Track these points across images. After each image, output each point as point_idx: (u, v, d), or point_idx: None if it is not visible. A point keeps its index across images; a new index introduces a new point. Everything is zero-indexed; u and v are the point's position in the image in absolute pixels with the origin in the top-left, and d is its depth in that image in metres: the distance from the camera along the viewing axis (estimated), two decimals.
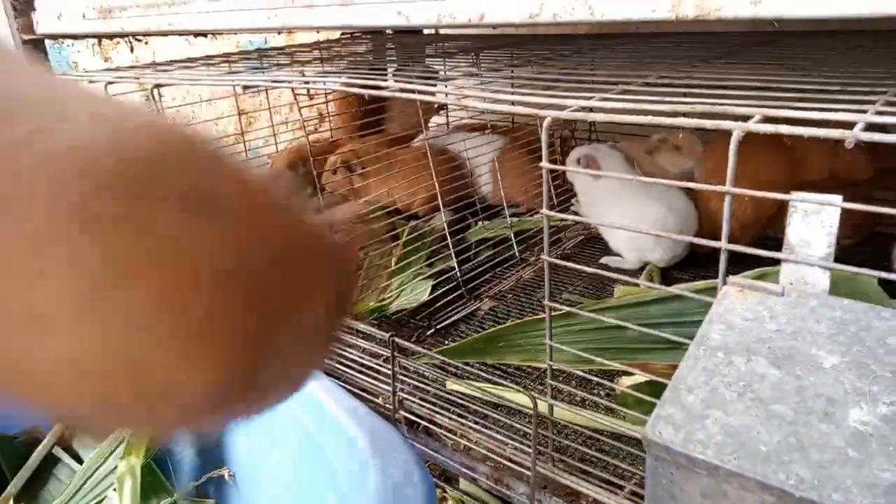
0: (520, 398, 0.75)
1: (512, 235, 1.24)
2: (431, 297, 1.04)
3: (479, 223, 1.29)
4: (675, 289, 0.78)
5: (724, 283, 0.48)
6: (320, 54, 1.22)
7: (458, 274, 1.10)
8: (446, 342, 0.95)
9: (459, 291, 1.09)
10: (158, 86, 0.93)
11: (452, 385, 0.80)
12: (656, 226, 1.05)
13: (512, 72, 0.92)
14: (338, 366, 0.88)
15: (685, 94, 0.56)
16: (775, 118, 0.47)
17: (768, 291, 0.45)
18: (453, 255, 1.10)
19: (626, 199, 1.09)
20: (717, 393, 0.39)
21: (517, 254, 1.24)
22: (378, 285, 1.02)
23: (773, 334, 0.42)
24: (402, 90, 0.70)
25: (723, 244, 0.48)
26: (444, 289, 1.07)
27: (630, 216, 1.09)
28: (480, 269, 1.17)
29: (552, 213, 0.57)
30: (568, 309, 0.65)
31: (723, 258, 0.49)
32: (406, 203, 1.26)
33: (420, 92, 0.68)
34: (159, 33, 0.95)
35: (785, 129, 0.44)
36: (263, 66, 1.07)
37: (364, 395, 0.85)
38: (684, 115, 0.48)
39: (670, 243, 1.08)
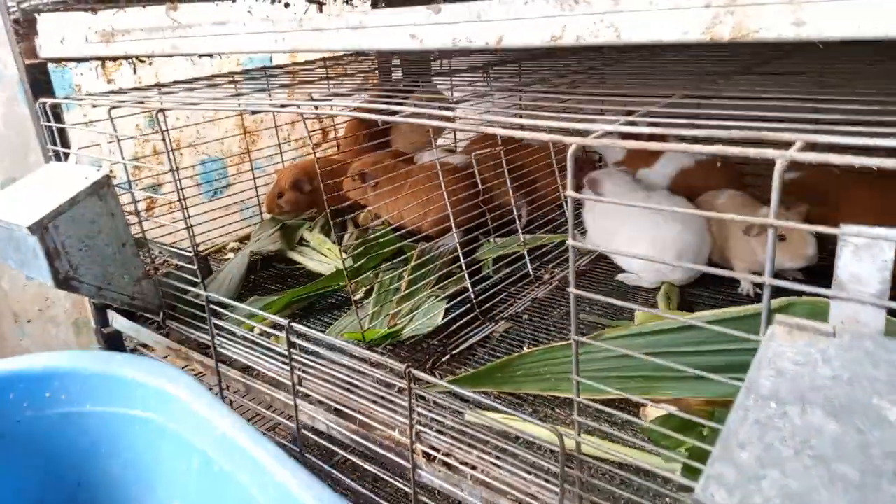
0: (544, 433, 0.72)
1: (525, 253, 1.21)
2: (445, 320, 1.01)
3: (492, 241, 1.26)
4: (709, 320, 0.76)
5: (770, 321, 0.45)
6: (326, 73, 1.20)
7: (473, 296, 1.07)
8: (462, 369, 0.92)
9: (474, 313, 1.06)
10: (162, 110, 0.91)
11: (471, 417, 0.77)
12: (675, 244, 1.02)
13: (520, 97, 0.89)
14: (351, 396, 0.85)
15: (714, 117, 0.53)
16: (818, 144, 0.44)
17: (819, 332, 0.42)
18: (466, 276, 1.08)
19: (640, 218, 1.06)
20: (773, 449, 0.36)
21: (531, 272, 1.21)
22: (389, 310, 0.99)
23: (828, 381, 0.39)
24: (415, 115, 0.68)
25: (766, 279, 0.45)
26: (457, 312, 1.04)
27: (646, 234, 1.06)
28: (494, 289, 1.14)
29: (578, 244, 0.55)
30: (595, 343, 0.62)
31: (766, 294, 0.46)
32: (417, 224, 1.23)
33: (432, 117, 0.66)
34: (164, 55, 0.92)
35: (835, 158, 0.41)
36: (268, 87, 1.05)
37: (380, 427, 0.82)
38: (722, 141, 0.46)
39: (690, 261, 1.05)
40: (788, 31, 0.43)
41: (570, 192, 0.53)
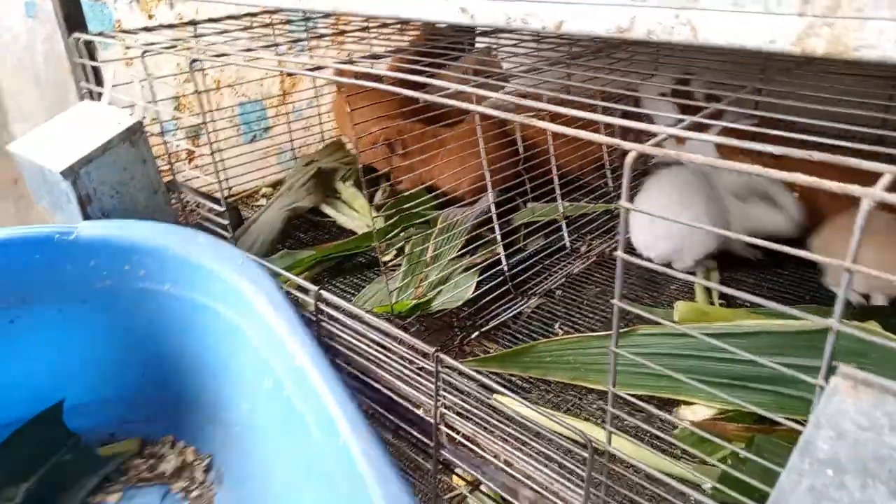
0: (579, 426, 0.70)
1: (564, 224, 1.17)
2: (476, 293, 0.99)
3: (529, 205, 1.22)
4: (759, 330, 0.71)
5: (831, 369, 0.41)
6: (367, 21, 1.14)
7: (506, 268, 1.04)
8: (492, 348, 0.91)
9: (506, 287, 1.03)
10: (195, 60, 0.88)
11: (498, 399, 0.76)
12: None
13: (568, 75, 0.83)
14: (378, 370, 0.84)
15: (788, 125, 0.48)
16: None
17: (886, 390, 0.39)
18: (501, 247, 1.04)
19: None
20: None
21: (568, 244, 1.17)
22: (419, 280, 0.97)
23: (895, 453, 0.36)
24: (460, 93, 0.63)
25: (834, 323, 0.41)
26: (489, 285, 1.01)
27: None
28: (529, 261, 1.11)
29: (629, 258, 0.51)
30: (636, 334, 0.59)
31: (830, 340, 0.42)
32: (452, 186, 1.19)
33: (480, 101, 0.62)
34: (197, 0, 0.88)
35: None
36: (304, 38, 1.00)
37: (405, 402, 0.82)
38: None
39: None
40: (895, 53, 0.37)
41: (624, 203, 0.49)
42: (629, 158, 0.48)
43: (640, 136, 0.54)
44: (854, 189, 0.39)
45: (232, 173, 1.34)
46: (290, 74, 1.20)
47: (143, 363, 0.98)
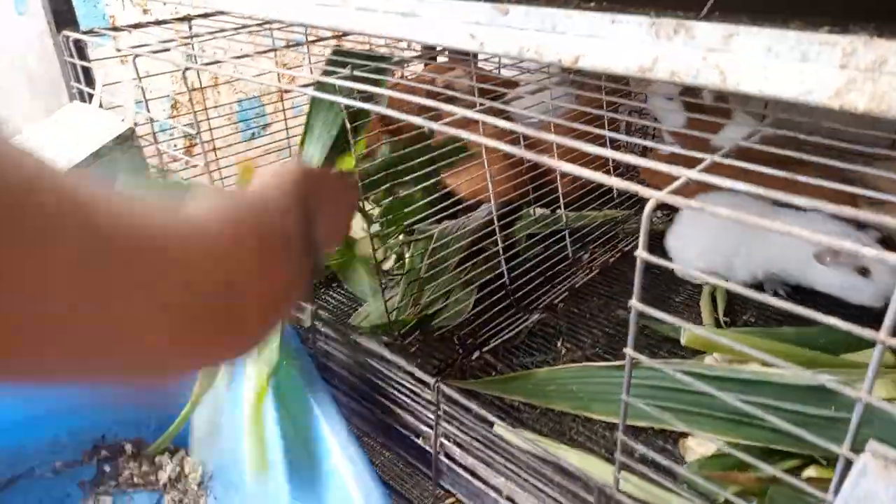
0: (584, 462, 0.68)
1: (567, 234, 1.15)
2: (477, 309, 0.96)
3: (533, 211, 1.18)
4: (769, 380, 0.68)
5: (854, 445, 0.39)
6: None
7: (508, 282, 1.01)
8: (495, 364, 0.88)
9: (507, 301, 1.01)
10: (188, 68, 0.84)
11: (500, 430, 0.74)
12: None
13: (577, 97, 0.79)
14: (376, 395, 0.81)
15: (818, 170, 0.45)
16: None
17: None
18: (503, 260, 1.01)
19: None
20: None
21: (570, 254, 1.14)
22: (416, 295, 0.94)
23: None
24: (465, 120, 0.60)
25: (864, 395, 0.39)
26: (490, 300, 0.99)
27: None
28: (530, 274, 1.08)
29: (644, 308, 0.48)
30: (650, 362, 0.57)
31: (858, 410, 0.39)
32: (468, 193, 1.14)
33: (493, 133, 0.59)
34: (193, 6, 0.84)
35: None
36: (302, 43, 0.96)
37: (403, 430, 0.79)
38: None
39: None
40: None
41: (641, 253, 0.46)
42: (648, 208, 0.45)
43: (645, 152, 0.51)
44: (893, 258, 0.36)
45: (230, 172, 1.31)
46: (286, 91, 1.16)
47: None
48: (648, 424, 0.75)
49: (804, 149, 0.53)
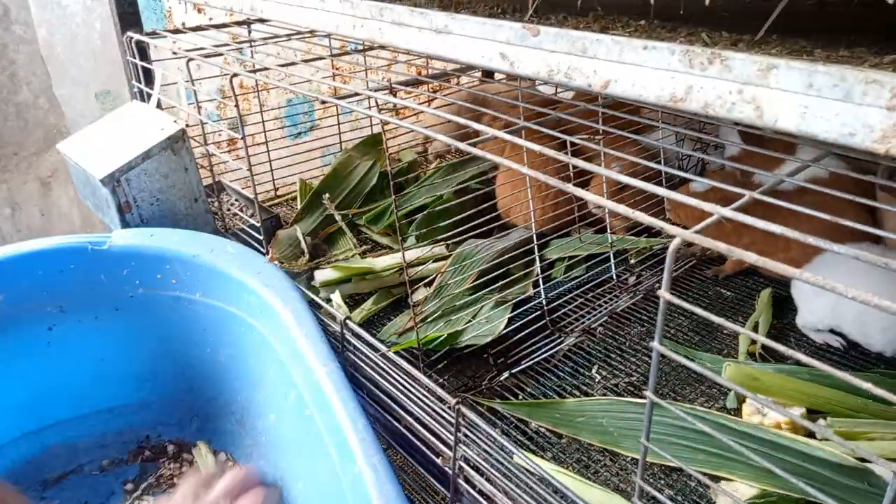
0: (606, 501, 0.65)
1: (612, 255, 1.11)
2: (510, 328, 0.94)
3: (578, 235, 1.16)
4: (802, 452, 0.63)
5: None
6: None
7: (544, 302, 0.99)
8: (525, 384, 0.86)
9: (542, 322, 0.98)
10: (236, 75, 0.85)
11: (520, 461, 0.71)
12: None
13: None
14: (400, 410, 0.80)
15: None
16: None
17: None
18: (541, 280, 0.99)
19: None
20: None
21: (614, 276, 1.10)
22: (448, 313, 0.93)
23: None
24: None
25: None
26: (525, 319, 0.96)
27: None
28: (569, 295, 1.05)
29: (665, 351, 0.45)
30: (668, 406, 0.54)
31: (892, 490, 0.36)
32: (505, 211, 1.13)
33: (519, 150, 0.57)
34: (243, 13, 0.85)
35: None
36: (355, 51, 0.97)
37: (424, 448, 0.78)
38: None
39: None
40: None
41: (664, 293, 0.43)
42: (673, 245, 0.42)
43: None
44: None
45: (277, 172, 1.33)
46: (323, 102, 1.16)
47: (177, 369, 0.99)
48: (680, 465, 0.71)
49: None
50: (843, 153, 0.58)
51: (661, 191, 0.48)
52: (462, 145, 0.57)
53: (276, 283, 0.88)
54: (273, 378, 0.89)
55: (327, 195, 1.21)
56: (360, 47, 1.13)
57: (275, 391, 0.88)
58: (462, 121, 0.60)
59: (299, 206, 1.24)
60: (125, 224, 0.98)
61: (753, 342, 0.91)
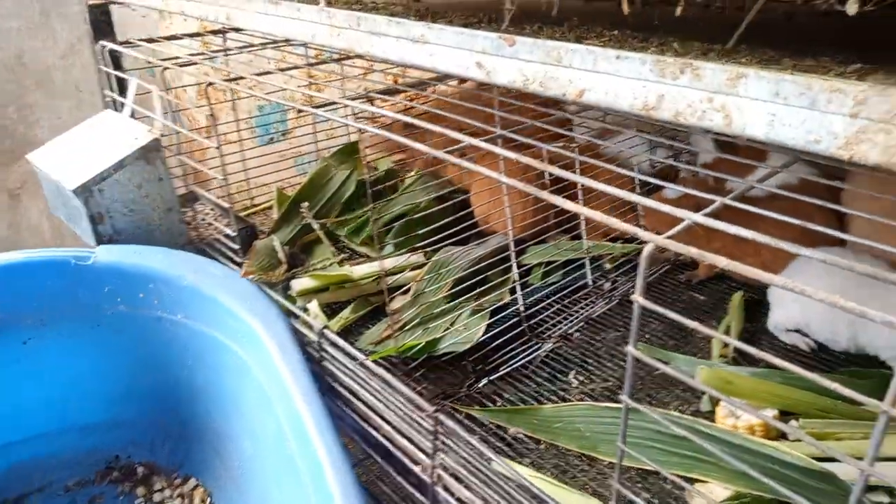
0: (577, 502, 0.66)
1: (587, 261, 1.12)
2: (487, 335, 0.94)
3: (554, 242, 1.17)
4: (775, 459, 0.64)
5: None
6: None
7: (522, 309, 0.99)
8: (503, 390, 0.86)
9: (520, 328, 0.99)
10: (211, 83, 0.85)
11: (498, 467, 0.72)
12: None
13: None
14: (378, 419, 0.80)
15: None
16: None
17: None
18: (519, 287, 1.00)
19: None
20: None
21: (590, 282, 1.12)
22: (426, 320, 0.93)
23: None
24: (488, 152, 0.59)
25: (871, 465, 0.36)
26: (503, 325, 0.97)
27: None
28: (546, 301, 1.06)
29: (641, 356, 0.46)
30: (644, 410, 0.55)
31: (860, 486, 0.37)
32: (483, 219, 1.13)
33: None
34: (217, 23, 0.85)
35: None
36: (330, 60, 0.97)
37: (403, 457, 0.78)
38: None
39: None
40: None
41: (638, 298, 0.44)
42: (646, 251, 0.43)
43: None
44: None
45: (252, 181, 1.32)
46: (299, 111, 1.16)
47: (152, 389, 0.97)
48: (656, 469, 0.72)
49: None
50: (812, 160, 0.59)
51: (635, 197, 0.49)
52: (440, 154, 0.58)
53: (263, 311, 0.87)
54: (252, 406, 0.87)
55: (305, 204, 1.21)
56: (336, 56, 1.13)
57: (253, 419, 0.87)
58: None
59: (276, 216, 1.24)
60: (98, 235, 0.96)
61: (726, 345, 0.93)
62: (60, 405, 0.95)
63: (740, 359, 0.92)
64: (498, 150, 0.59)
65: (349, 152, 1.36)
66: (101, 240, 0.97)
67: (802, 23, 0.71)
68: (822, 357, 0.93)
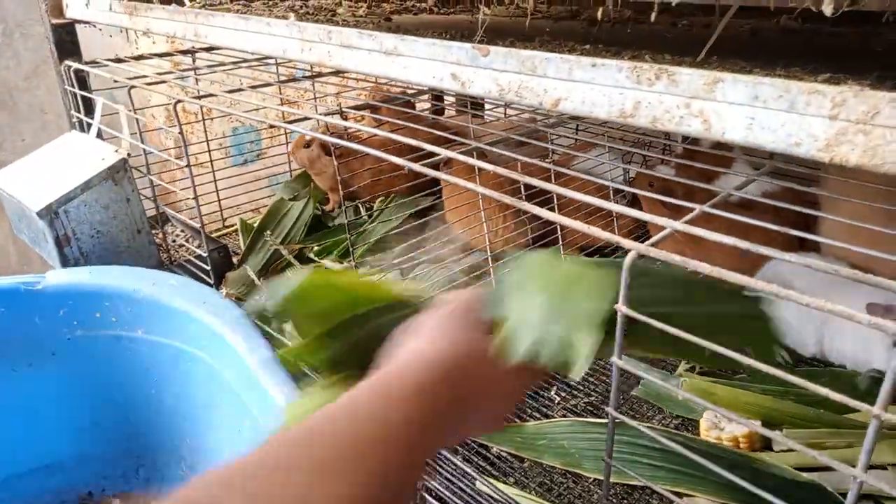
0: None
1: None
2: None
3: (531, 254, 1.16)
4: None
5: None
6: None
7: None
8: None
9: None
10: (179, 101, 0.83)
11: (482, 487, 0.70)
12: None
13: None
14: None
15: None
16: None
17: None
18: None
19: None
20: None
21: None
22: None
23: None
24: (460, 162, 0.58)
25: (864, 472, 0.35)
26: None
27: None
28: None
29: (626, 366, 0.45)
30: (630, 422, 0.53)
31: (854, 492, 0.36)
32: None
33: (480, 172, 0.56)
34: (185, 39, 0.84)
35: None
36: (302, 78, 0.96)
37: None
38: None
39: None
40: None
41: (621, 307, 0.43)
42: (628, 260, 0.42)
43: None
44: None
45: (224, 202, 1.30)
46: (271, 126, 1.15)
47: (120, 416, 0.93)
48: (641, 483, 0.71)
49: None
50: (784, 168, 0.59)
51: (614, 206, 0.48)
52: (416, 166, 0.57)
53: (224, 311, 0.84)
54: (225, 414, 0.84)
55: (268, 232, 1.19)
56: (309, 74, 1.12)
57: (227, 427, 0.84)
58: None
59: (243, 246, 1.22)
60: (64, 258, 0.93)
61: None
62: (20, 445, 0.90)
63: (721, 371, 0.91)
64: (473, 161, 0.59)
65: (306, 177, 1.36)
66: (66, 263, 0.94)
67: (768, 37, 0.72)
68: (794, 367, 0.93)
